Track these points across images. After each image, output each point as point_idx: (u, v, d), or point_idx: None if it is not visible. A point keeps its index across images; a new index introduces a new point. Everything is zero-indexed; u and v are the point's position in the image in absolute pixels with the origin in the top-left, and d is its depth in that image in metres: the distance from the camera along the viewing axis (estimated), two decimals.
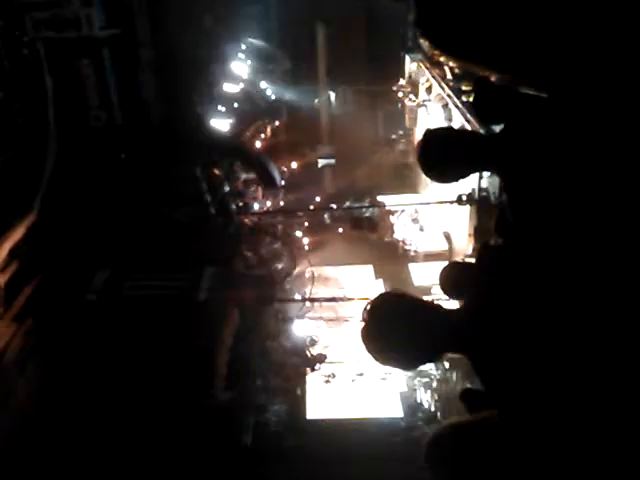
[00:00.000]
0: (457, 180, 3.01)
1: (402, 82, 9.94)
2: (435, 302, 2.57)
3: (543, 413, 2.09)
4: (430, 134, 2.94)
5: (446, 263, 3.20)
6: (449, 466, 2.23)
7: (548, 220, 2.45)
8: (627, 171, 2.26)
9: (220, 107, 9.29)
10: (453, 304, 2.85)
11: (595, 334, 2.08)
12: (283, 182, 9.54)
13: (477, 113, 3.57)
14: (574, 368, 2.08)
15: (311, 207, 9.40)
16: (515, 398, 2.18)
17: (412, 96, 9.59)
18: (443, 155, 2.85)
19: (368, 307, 2.46)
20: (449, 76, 7.75)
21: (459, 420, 2.37)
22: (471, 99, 6.85)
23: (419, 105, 9.31)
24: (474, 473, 2.17)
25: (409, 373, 6.96)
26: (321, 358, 7.23)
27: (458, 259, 7.44)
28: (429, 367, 7.08)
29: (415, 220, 9.13)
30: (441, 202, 7.75)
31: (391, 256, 8.98)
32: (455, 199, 7.06)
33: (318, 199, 9.91)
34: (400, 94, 9.89)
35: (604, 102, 2.36)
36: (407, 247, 8.79)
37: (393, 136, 10.80)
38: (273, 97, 10.69)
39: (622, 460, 1.95)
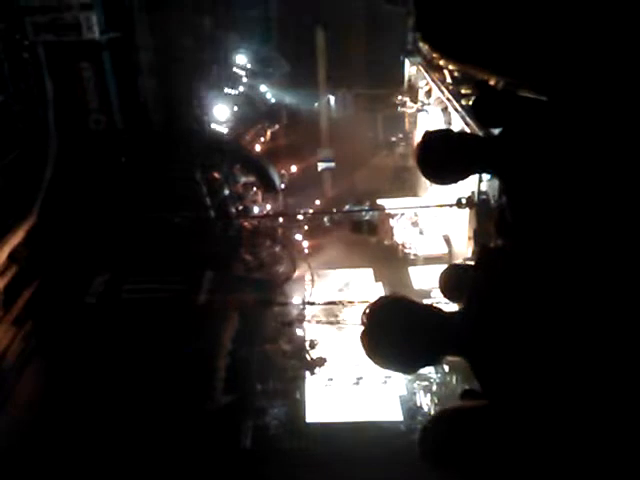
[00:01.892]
0: (456, 182, 3.01)
1: (402, 85, 9.95)
2: (435, 305, 2.57)
3: (542, 415, 2.09)
4: (429, 136, 2.94)
5: (446, 266, 3.20)
6: (443, 451, 2.22)
7: (548, 222, 2.46)
8: (626, 173, 2.26)
9: (220, 110, 9.30)
10: (453, 307, 2.85)
11: (595, 336, 2.08)
12: (283, 185, 9.56)
13: (477, 116, 3.58)
14: (574, 370, 2.08)
15: (311, 210, 9.40)
16: (514, 401, 2.18)
17: (411, 100, 9.60)
18: (442, 157, 2.85)
19: (367, 310, 2.46)
20: (448, 79, 7.75)
21: (454, 407, 2.37)
22: (470, 102, 6.86)
23: (419, 109, 9.32)
24: (469, 462, 2.17)
25: (409, 376, 6.95)
26: (321, 361, 7.22)
27: (458, 262, 7.44)
28: (429, 370, 7.07)
29: (415, 223, 9.14)
30: (441, 205, 7.74)
31: (391, 259, 8.97)
32: (455, 202, 7.06)
33: (318, 202, 9.92)
34: (399, 97, 9.90)
35: (603, 105, 2.36)
36: (407, 250, 8.79)
37: (393, 139, 10.80)
38: (273, 100, 10.71)
39: (622, 459, 1.95)
